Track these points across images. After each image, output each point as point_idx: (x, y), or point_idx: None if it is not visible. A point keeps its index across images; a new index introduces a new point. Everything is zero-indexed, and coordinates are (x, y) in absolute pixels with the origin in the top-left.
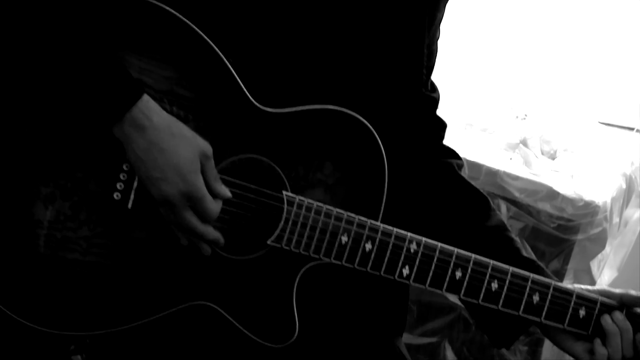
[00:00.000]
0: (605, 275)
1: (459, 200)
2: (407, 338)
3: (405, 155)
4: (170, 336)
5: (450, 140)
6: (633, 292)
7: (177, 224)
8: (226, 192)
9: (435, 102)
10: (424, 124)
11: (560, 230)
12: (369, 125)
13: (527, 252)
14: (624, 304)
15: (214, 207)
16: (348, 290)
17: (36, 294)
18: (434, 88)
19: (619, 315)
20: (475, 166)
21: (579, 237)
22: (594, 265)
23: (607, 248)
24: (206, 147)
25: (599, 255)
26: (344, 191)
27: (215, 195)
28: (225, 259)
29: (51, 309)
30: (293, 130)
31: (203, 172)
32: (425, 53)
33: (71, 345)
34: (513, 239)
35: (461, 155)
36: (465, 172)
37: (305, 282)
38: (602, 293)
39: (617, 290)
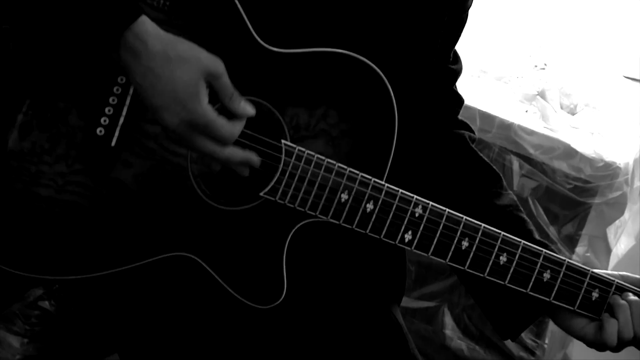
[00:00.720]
0: (622, 243)
1: (469, 173)
2: (403, 301)
3: (414, 121)
4: (146, 288)
5: (461, 88)
6: None
7: (197, 153)
8: (246, 109)
9: (454, 75)
10: (439, 96)
11: (577, 192)
12: (382, 74)
13: (540, 235)
14: None
15: (229, 129)
16: (343, 252)
17: (1, 229)
18: (456, 59)
19: (629, 294)
20: (488, 118)
21: (596, 200)
22: (611, 232)
23: (626, 214)
24: (213, 64)
25: (617, 222)
26: (348, 145)
27: (234, 114)
28: (213, 208)
29: (18, 248)
30: (298, 73)
31: (215, 92)
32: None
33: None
34: (525, 220)
35: (473, 105)
36: (477, 125)
37: (298, 241)
38: (622, 278)
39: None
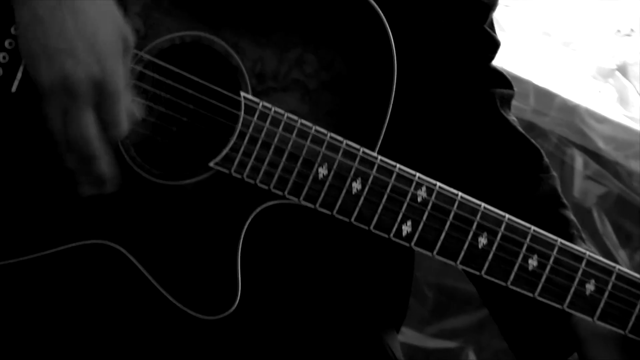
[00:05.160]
0: None
1: (493, 148)
2: (415, 338)
3: (422, 71)
4: (50, 289)
5: (516, 53)
6: None
7: (64, 131)
8: (135, 110)
9: (485, 9)
10: (465, 36)
11: None
12: (377, 8)
13: (588, 244)
14: None
15: (125, 119)
16: (318, 248)
17: None
18: None
19: None
20: (546, 96)
21: None
22: None
23: None
24: (130, 33)
25: None
26: (330, 102)
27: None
28: (145, 181)
29: None
30: (264, 1)
31: None
32: None
33: None
34: (567, 220)
35: (527, 77)
36: (530, 104)
37: (258, 230)
38: None
39: None
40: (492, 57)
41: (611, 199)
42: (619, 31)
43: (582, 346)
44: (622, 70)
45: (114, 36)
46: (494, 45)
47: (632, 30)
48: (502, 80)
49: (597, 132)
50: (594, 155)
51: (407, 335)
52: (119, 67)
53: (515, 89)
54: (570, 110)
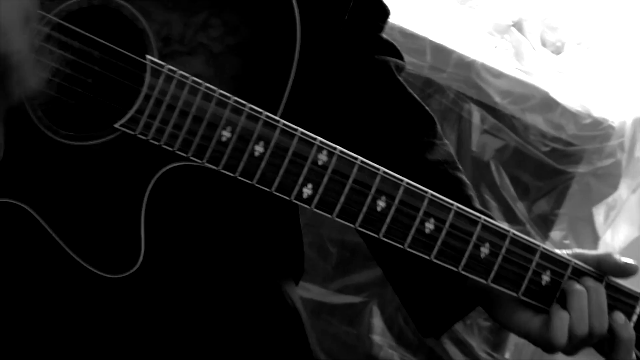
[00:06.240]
0: (620, 231)
1: (391, 116)
2: (320, 294)
3: (322, 41)
4: None
5: (409, 10)
6: (615, 257)
7: None
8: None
9: None
10: (356, 3)
11: (555, 157)
12: None
13: (505, 212)
14: (602, 270)
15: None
16: (221, 207)
17: None
18: None
19: (588, 279)
20: (442, 52)
21: (581, 169)
22: (599, 212)
23: (622, 191)
24: (32, 5)
25: (609, 199)
26: (234, 66)
27: None
28: (51, 141)
29: None
30: None
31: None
32: None
33: None
34: (462, 182)
35: (423, 34)
36: (427, 61)
37: (163, 190)
38: (578, 257)
39: (593, 252)
40: (383, 27)
41: (508, 152)
42: None
43: (490, 301)
44: (518, 26)
45: (15, 7)
46: (384, 13)
47: None
48: (395, 51)
49: (494, 86)
50: (490, 109)
51: (312, 292)
52: (20, 39)
53: (412, 45)
54: (466, 66)
